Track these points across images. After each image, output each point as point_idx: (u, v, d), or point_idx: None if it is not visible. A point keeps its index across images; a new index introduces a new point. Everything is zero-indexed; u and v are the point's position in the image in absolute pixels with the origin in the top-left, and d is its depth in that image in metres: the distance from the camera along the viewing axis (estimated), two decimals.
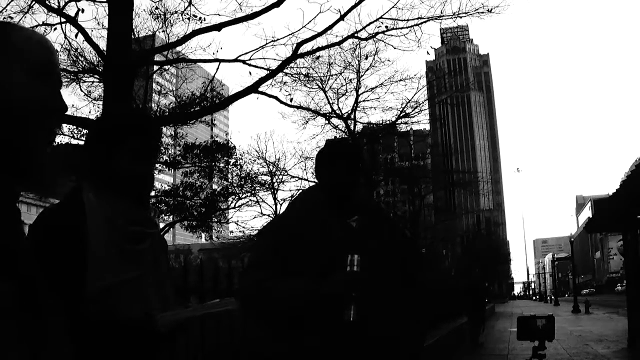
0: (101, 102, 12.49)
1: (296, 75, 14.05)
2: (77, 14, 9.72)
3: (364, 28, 11.64)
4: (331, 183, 2.11)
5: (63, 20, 10.26)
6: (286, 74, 12.92)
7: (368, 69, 20.06)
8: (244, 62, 10.81)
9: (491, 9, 12.45)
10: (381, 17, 11.64)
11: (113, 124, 1.72)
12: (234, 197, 22.44)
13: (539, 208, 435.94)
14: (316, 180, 2.25)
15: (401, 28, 11.82)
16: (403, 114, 23.06)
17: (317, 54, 12.76)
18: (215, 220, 22.01)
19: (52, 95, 1.01)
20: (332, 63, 17.38)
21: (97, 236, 1.55)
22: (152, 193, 22.13)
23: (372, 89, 21.79)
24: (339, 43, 12.19)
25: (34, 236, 1.54)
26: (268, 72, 10.70)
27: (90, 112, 19.53)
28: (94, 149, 1.69)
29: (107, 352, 1.48)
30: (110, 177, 1.65)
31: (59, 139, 15.87)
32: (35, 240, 1.53)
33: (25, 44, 1.00)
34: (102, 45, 9.98)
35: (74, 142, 16.33)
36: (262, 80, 10.41)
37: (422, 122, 32.36)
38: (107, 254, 1.55)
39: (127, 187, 1.66)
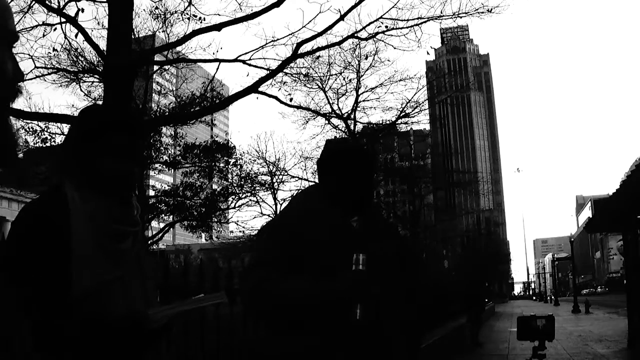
0: (101, 102, 12.49)
1: (296, 75, 14.08)
2: (77, 14, 9.74)
3: (364, 28, 11.65)
4: (346, 183, 2.05)
5: (63, 20, 10.27)
6: (286, 74, 12.95)
7: (368, 69, 20.10)
8: (244, 62, 10.81)
9: (491, 9, 12.46)
10: (381, 17, 11.64)
11: (95, 120, 1.67)
12: (234, 197, 22.45)
13: (539, 208, 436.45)
14: (316, 180, 2.22)
15: (401, 28, 11.83)
16: (403, 114, 23.08)
17: (317, 54, 12.79)
18: (215, 220, 22.00)
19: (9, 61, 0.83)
20: (332, 63, 17.41)
21: (81, 233, 1.52)
22: (152, 193, 22.18)
23: (372, 89, 21.83)
24: (339, 43, 12.20)
25: (17, 230, 1.52)
26: (268, 72, 10.70)
27: None
28: (75, 146, 1.64)
29: (98, 351, 1.46)
30: (92, 174, 1.61)
31: (58, 140, 15.87)
32: (18, 234, 1.51)
33: None
34: (102, 45, 9.99)
35: None
36: (262, 80, 10.40)
37: (422, 122, 32.45)
38: (92, 252, 1.52)
39: (109, 184, 1.62)
